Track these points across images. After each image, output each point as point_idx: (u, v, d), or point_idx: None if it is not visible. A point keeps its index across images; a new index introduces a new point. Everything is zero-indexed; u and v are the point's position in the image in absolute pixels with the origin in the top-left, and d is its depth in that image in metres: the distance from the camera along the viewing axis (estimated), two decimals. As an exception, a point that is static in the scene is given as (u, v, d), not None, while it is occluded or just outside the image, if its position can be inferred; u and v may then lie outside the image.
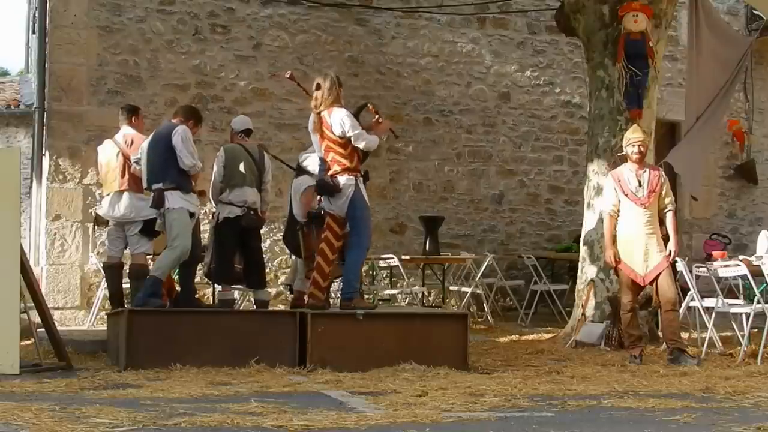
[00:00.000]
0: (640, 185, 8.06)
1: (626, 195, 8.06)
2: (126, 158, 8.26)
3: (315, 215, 8.63)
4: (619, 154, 8.60)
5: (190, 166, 7.77)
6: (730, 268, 8.49)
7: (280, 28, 12.06)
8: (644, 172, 8.12)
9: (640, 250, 7.97)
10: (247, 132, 8.67)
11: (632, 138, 8.20)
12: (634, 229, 8.03)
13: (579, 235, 12.23)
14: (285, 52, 12.05)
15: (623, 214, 8.10)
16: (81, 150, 10.97)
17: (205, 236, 9.75)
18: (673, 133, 13.14)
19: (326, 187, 7.60)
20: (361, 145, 7.56)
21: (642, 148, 8.16)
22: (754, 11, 13.78)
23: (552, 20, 11.63)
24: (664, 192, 8.13)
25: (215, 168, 8.43)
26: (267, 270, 10.85)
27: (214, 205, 8.68)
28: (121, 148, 8.35)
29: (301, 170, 8.83)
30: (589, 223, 9.72)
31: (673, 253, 8.04)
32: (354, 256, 7.68)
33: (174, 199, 7.71)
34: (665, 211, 8.13)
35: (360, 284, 8.14)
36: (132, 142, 8.30)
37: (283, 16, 12.08)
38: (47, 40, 11.14)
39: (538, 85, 13.37)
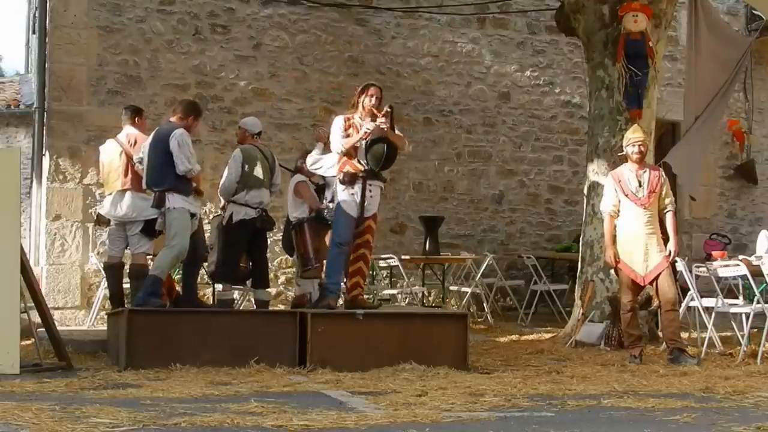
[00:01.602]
0: (640, 185, 8.06)
1: (626, 195, 8.07)
2: (129, 158, 8.26)
3: (318, 215, 8.68)
4: (619, 154, 8.60)
5: (185, 171, 7.73)
6: (730, 268, 8.50)
7: (280, 28, 12.06)
8: (644, 172, 8.13)
9: (640, 250, 7.98)
10: (260, 134, 8.74)
11: (632, 138, 8.21)
12: (634, 229, 8.03)
13: (579, 235, 12.25)
14: (285, 52, 12.05)
15: (623, 214, 8.11)
16: (81, 150, 10.97)
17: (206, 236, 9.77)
18: (673, 133, 13.14)
19: None
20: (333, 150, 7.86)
21: (642, 148, 8.17)
22: (753, 11, 13.78)
23: (552, 20, 11.63)
24: (664, 192, 8.13)
25: (232, 168, 8.40)
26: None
27: (222, 204, 8.69)
28: (124, 147, 8.35)
29: (296, 171, 8.93)
30: (588, 223, 9.73)
31: (673, 253, 8.05)
32: (329, 254, 7.83)
33: (175, 199, 7.72)
34: (665, 211, 8.13)
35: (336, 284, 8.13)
36: (135, 142, 8.30)
37: (283, 16, 12.08)
38: (47, 40, 11.14)
39: (538, 85, 13.37)
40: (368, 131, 7.60)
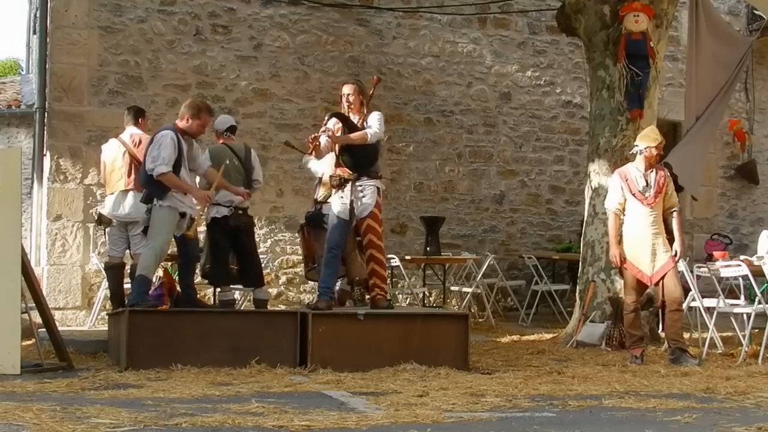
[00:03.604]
0: (647, 185, 8.02)
1: (633, 194, 8.03)
2: (133, 158, 8.25)
3: (311, 217, 8.71)
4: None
5: (149, 171, 7.66)
6: (731, 269, 8.50)
7: (281, 28, 12.06)
8: (651, 172, 8.09)
9: (647, 250, 7.94)
10: (232, 129, 8.68)
11: (658, 139, 8.13)
12: (641, 229, 7.99)
13: (577, 236, 12.23)
14: (286, 52, 12.05)
15: (629, 214, 8.07)
16: (82, 150, 10.97)
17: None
18: (674, 134, 13.13)
19: None
20: None
21: (660, 151, 8.14)
22: (755, 11, 13.78)
23: (553, 20, 11.62)
24: (670, 192, 8.11)
25: None
26: (267, 270, 10.87)
27: None
28: (128, 148, 8.35)
29: None
30: (590, 223, 9.72)
31: (679, 254, 8.03)
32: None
33: (164, 197, 7.64)
34: (671, 211, 8.11)
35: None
36: (139, 142, 8.30)
37: (284, 16, 12.08)
38: (48, 40, 11.14)
39: (539, 85, 13.36)
40: (316, 138, 7.67)
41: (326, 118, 7.88)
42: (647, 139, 8.16)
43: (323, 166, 8.68)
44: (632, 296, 8.09)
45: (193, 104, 8.01)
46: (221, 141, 8.60)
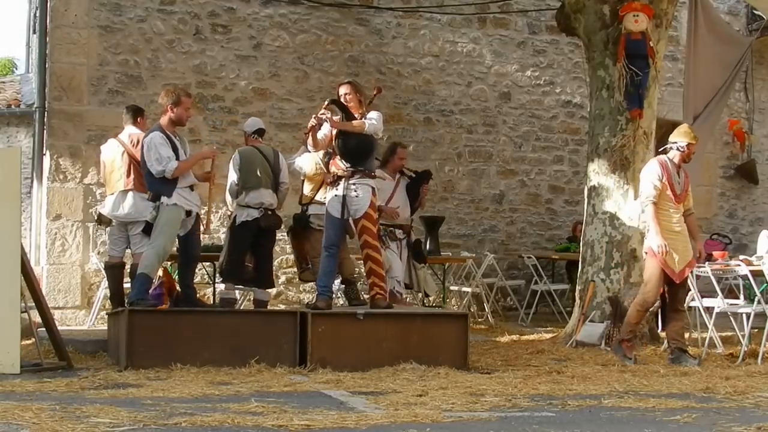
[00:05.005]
0: (679, 182, 7.97)
1: (672, 189, 7.90)
2: (132, 158, 8.25)
3: (297, 219, 8.72)
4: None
5: (159, 173, 7.68)
6: (731, 268, 8.49)
7: (280, 27, 12.06)
8: (681, 170, 8.05)
9: (678, 247, 7.86)
10: (260, 132, 8.72)
11: (696, 136, 8.10)
12: (674, 226, 7.89)
13: (570, 236, 12.21)
14: (285, 51, 12.05)
15: (662, 208, 7.93)
16: (82, 150, 10.96)
17: (206, 236, 9.76)
18: (673, 133, 13.13)
19: None
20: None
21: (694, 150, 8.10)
22: (754, 11, 13.78)
23: (553, 20, 11.62)
24: (690, 194, 8.08)
25: (231, 171, 8.42)
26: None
27: (230, 205, 8.70)
28: (126, 148, 8.35)
29: None
30: (589, 223, 9.72)
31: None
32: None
33: (170, 196, 7.65)
34: (690, 213, 8.07)
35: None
36: (138, 142, 8.29)
37: (283, 15, 12.07)
38: (48, 39, 11.14)
39: (539, 84, 13.36)
40: (312, 125, 7.68)
41: (325, 104, 7.85)
42: (687, 137, 8.07)
43: (306, 164, 8.72)
44: (653, 293, 7.93)
45: (169, 93, 8.02)
46: (249, 143, 8.62)
